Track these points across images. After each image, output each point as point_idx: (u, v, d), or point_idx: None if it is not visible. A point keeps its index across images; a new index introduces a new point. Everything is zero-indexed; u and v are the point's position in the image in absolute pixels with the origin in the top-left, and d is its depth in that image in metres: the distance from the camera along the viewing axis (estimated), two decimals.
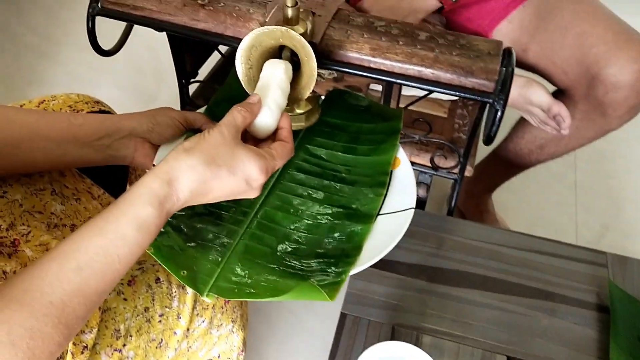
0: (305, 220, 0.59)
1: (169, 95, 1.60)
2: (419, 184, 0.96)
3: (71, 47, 1.75)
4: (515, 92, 0.92)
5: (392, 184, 0.63)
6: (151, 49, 1.67)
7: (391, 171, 0.64)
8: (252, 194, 0.53)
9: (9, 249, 0.59)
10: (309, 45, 0.56)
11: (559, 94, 1.00)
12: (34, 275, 0.42)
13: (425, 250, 0.81)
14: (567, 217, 1.40)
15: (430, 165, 0.92)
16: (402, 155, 0.65)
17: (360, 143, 0.65)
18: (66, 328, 0.42)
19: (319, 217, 0.60)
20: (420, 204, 0.96)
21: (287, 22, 0.60)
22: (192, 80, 0.96)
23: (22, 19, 1.84)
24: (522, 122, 1.08)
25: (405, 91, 0.91)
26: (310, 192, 0.62)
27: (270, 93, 0.56)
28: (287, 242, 0.58)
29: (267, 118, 0.55)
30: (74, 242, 0.44)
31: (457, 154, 0.91)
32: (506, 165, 1.17)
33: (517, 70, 0.72)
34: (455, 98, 1.03)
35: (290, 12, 0.59)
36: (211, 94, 1.01)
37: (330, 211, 0.60)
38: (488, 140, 0.65)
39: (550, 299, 0.77)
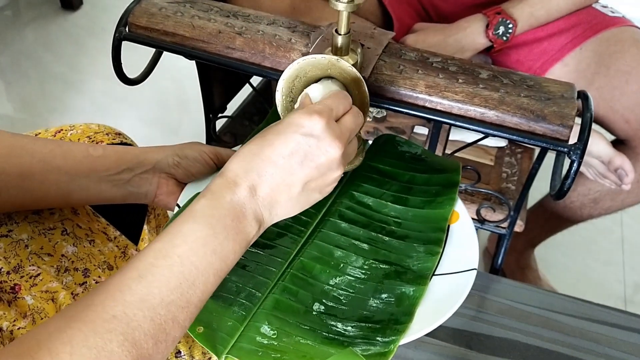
0: (348, 277, 0.51)
1: (193, 129, 1.55)
2: None
3: (96, 77, 1.73)
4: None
5: (450, 240, 0.55)
6: (176, 80, 1.63)
7: (448, 226, 0.56)
8: (327, 146, 0.44)
9: (8, 295, 0.53)
10: (361, 78, 0.49)
11: (618, 144, 0.92)
12: (98, 290, 0.38)
13: (467, 313, 0.73)
14: (613, 277, 1.30)
15: (476, 218, 0.84)
16: (461, 209, 0.57)
17: (413, 194, 0.57)
18: (134, 347, 0.36)
19: (363, 273, 0.51)
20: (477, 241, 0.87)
21: (336, 51, 0.53)
22: (220, 115, 0.90)
23: (51, 47, 1.83)
24: None
25: (451, 136, 0.84)
26: (354, 243, 0.54)
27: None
28: (325, 300, 0.50)
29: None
30: (139, 253, 0.40)
31: (507, 207, 0.82)
32: (554, 218, 1.09)
33: None
34: (503, 144, 0.95)
35: (340, 41, 0.52)
36: (240, 130, 0.94)
37: (376, 267, 0.52)
38: (559, 195, 0.57)
39: None
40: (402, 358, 0.65)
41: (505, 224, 0.83)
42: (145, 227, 0.71)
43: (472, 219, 0.84)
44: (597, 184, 0.96)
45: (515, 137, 0.56)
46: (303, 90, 0.51)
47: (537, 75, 0.94)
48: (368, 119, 0.55)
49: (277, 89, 0.51)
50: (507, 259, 1.24)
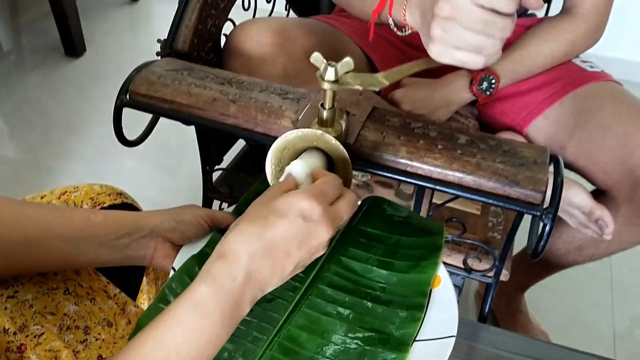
0: (333, 345, 0.53)
1: (191, 172, 1.58)
2: None
3: (98, 122, 1.77)
4: None
5: (431, 305, 0.57)
6: (176, 124, 1.68)
7: (430, 290, 0.58)
8: (322, 231, 0.46)
9: (15, 355, 0.56)
10: (345, 152, 0.53)
11: (599, 194, 0.95)
12: None
13: None
14: (603, 319, 1.32)
15: (462, 267, 0.87)
16: (443, 273, 0.60)
17: (399, 258, 0.60)
18: None
19: (348, 341, 0.54)
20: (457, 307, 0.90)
21: (322, 123, 0.57)
22: (216, 167, 0.94)
23: (54, 93, 1.88)
24: (559, 221, 1.03)
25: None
26: (340, 310, 0.56)
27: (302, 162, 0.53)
28: None
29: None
30: (136, 338, 0.41)
31: (492, 256, 0.85)
32: (541, 264, 1.11)
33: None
34: None
35: (325, 114, 0.56)
36: (235, 182, 0.98)
37: (361, 335, 0.54)
38: (534, 255, 0.60)
39: None
40: None
41: (491, 273, 0.86)
42: (144, 279, 0.74)
43: (459, 268, 0.87)
44: (581, 232, 0.98)
45: (491, 201, 0.59)
46: (291, 159, 0.55)
47: (519, 127, 0.99)
48: (357, 180, 0.58)
49: (267, 159, 0.55)
50: (498, 303, 1.26)
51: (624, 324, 1.32)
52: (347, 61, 0.53)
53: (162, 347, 0.41)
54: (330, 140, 0.53)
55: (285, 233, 0.45)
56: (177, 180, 1.59)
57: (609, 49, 2.08)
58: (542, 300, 1.33)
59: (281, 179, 0.53)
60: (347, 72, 0.53)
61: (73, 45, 2.01)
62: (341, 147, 0.53)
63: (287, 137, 0.54)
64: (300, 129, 0.53)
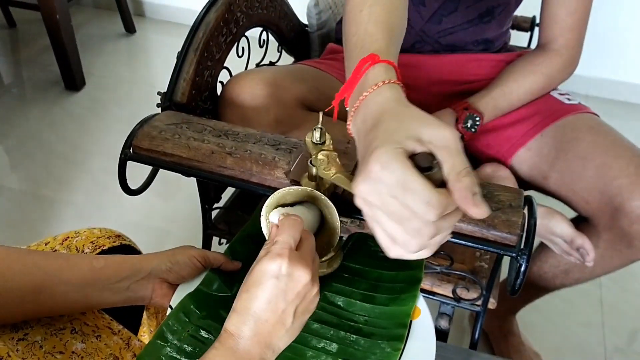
0: None
1: (190, 201, 1.62)
2: (440, 314, 0.94)
3: (98, 155, 1.81)
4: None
5: (411, 336, 0.62)
6: None
7: (410, 321, 0.63)
8: (298, 277, 0.52)
9: None
10: (333, 206, 0.58)
11: (582, 221, 0.99)
12: None
13: None
14: (594, 339, 1.35)
15: (452, 296, 0.91)
16: (422, 305, 0.64)
17: (380, 292, 0.64)
18: None
19: None
20: (443, 335, 0.93)
21: (312, 178, 0.62)
22: (215, 206, 0.98)
23: (54, 127, 1.92)
24: (545, 247, 1.07)
25: None
26: (324, 344, 0.60)
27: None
28: None
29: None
30: None
31: (479, 286, 0.90)
32: (529, 288, 1.15)
33: (538, 198, 0.72)
34: None
35: (314, 170, 0.60)
36: (233, 219, 1.02)
37: None
38: (513, 292, 0.64)
39: None
40: None
41: (479, 302, 0.90)
42: (144, 314, 0.78)
43: (449, 297, 0.91)
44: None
45: (470, 243, 0.64)
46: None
47: (504, 158, 1.03)
48: (348, 226, 0.63)
49: (262, 214, 0.59)
50: (490, 325, 1.30)
51: (615, 342, 1.35)
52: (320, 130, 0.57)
53: None
54: (320, 197, 0.58)
55: (265, 296, 0.52)
56: (176, 210, 1.63)
57: (592, 69, 2.13)
58: (533, 320, 1.36)
59: (265, 231, 0.58)
60: (326, 164, 0.57)
61: (73, 79, 2.05)
62: (329, 202, 0.58)
63: (280, 194, 0.58)
64: (290, 187, 0.58)
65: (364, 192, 0.46)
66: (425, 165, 0.44)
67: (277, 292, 0.52)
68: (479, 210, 0.44)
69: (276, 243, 0.53)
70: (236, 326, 0.52)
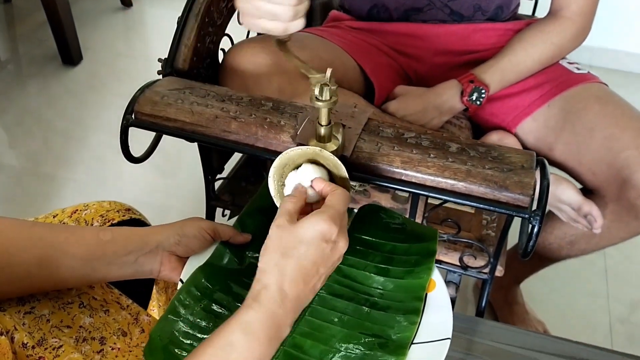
0: (335, 350, 0.57)
1: (191, 175, 1.61)
2: (447, 283, 0.93)
3: (98, 130, 1.80)
4: None
5: (427, 308, 0.61)
6: None
7: (426, 294, 0.62)
8: (341, 247, 0.53)
9: None
10: (342, 166, 0.56)
11: (588, 193, 0.98)
12: None
13: (455, 355, 0.77)
14: (599, 308, 1.36)
15: (459, 264, 0.90)
16: (438, 277, 0.63)
17: (395, 264, 0.63)
18: None
19: (349, 346, 0.57)
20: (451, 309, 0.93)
21: (319, 139, 0.60)
22: (218, 177, 0.97)
23: (53, 104, 1.90)
24: (551, 217, 1.06)
25: None
26: (341, 317, 0.59)
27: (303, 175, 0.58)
28: None
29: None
30: (192, 354, 0.47)
31: (486, 254, 0.89)
32: (534, 258, 1.14)
33: None
34: None
35: (322, 131, 0.59)
36: (237, 190, 1.01)
37: (361, 340, 0.57)
38: (525, 255, 0.63)
39: None
40: None
41: (486, 270, 0.89)
42: (154, 288, 0.77)
43: (456, 265, 0.91)
44: (573, 227, 1.01)
45: (482, 205, 0.63)
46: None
47: (508, 128, 1.02)
48: (355, 190, 0.62)
49: (269, 175, 0.58)
50: (495, 295, 1.30)
51: (619, 311, 1.35)
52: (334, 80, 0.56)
53: None
54: (329, 157, 0.57)
55: (316, 258, 0.52)
56: (178, 184, 1.62)
57: (596, 39, 2.11)
58: (538, 290, 1.36)
59: (287, 190, 0.58)
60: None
61: (70, 53, 2.03)
62: (338, 162, 0.57)
63: (288, 154, 0.57)
64: (299, 147, 0.56)
65: None
66: None
67: (322, 255, 0.52)
68: None
69: (330, 208, 0.54)
70: (281, 284, 0.51)
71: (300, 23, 0.57)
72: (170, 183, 1.62)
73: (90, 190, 1.59)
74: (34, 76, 2.03)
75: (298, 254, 0.52)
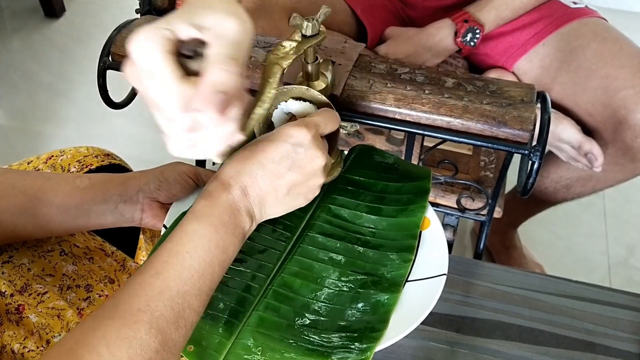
0: (327, 289, 0.55)
1: None
2: (445, 226, 0.92)
3: (84, 83, 1.75)
4: None
5: (421, 246, 0.59)
6: None
7: (420, 232, 0.60)
8: (313, 156, 0.50)
9: (15, 316, 0.57)
10: (332, 106, 0.53)
11: (586, 134, 0.96)
12: (121, 290, 0.44)
13: (453, 298, 0.77)
14: (597, 249, 1.35)
15: (456, 207, 0.88)
16: (432, 215, 0.61)
17: (386, 203, 0.61)
18: (159, 333, 0.42)
19: (340, 284, 0.55)
20: (447, 246, 0.92)
21: (307, 77, 0.57)
22: None
23: (37, 58, 1.85)
24: (547, 161, 1.04)
25: None
26: (332, 256, 0.58)
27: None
28: (306, 314, 0.54)
29: None
30: (152, 255, 0.46)
31: (484, 195, 0.87)
32: (531, 201, 1.13)
33: None
34: None
35: (310, 68, 0.56)
36: None
37: (353, 278, 0.56)
38: (524, 193, 0.61)
39: (591, 350, 0.72)
40: (395, 345, 0.69)
41: (484, 212, 0.87)
42: (141, 236, 0.75)
43: (453, 208, 0.89)
44: (569, 171, 0.99)
45: (479, 142, 0.60)
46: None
47: (504, 67, 0.98)
48: (347, 131, 0.58)
49: None
50: (492, 239, 1.29)
51: (618, 252, 1.35)
52: (325, 11, 0.52)
53: (176, 254, 0.45)
54: (317, 95, 0.53)
55: (273, 154, 0.49)
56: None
57: None
58: (536, 233, 1.35)
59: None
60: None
61: (52, 5, 1.96)
62: (327, 101, 0.53)
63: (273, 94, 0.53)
64: (285, 86, 0.53)
65: (126, 71, 0.42)
66: (189, 53, 0.41)
67: (287, 156, 0.49)
68: (221, 115, 0.42)
69: (310, 118, 0.51)
70: (229, 174, 0.49)
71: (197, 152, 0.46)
72: (159, 137, 1.59)
73: (78, 145, 1.55)
74: (16, 30, 1.96)
75: (256, 148, 0.49)
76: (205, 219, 0.47)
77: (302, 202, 0.53)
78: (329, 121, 0.52)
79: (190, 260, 0.45)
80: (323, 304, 0.54)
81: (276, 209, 0.51)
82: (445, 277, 0.55)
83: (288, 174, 0.49)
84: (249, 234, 0.50)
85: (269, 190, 0.49)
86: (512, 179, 0.99)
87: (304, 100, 0.55)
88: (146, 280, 0.44)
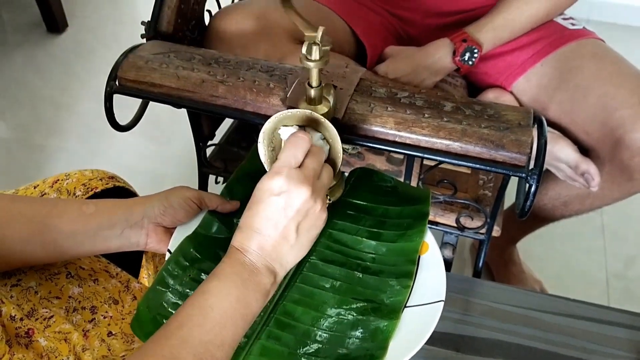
0: (327, 316, 0.56)
1: (184, 142, 1.58)
2: (444, 244, 0.93)
3: (87, 98, 1.76)
4: None
5: (420, 271, 0.60)
6: None
7: (419, 257, 0.61)
8: (298, 193, 0.52)
9: (24, 340, 0.58)
10: (334, 129, 0.54)
11: (584, 152, 0.97)
12: (148, 341, 0.47)
13: (452, 316, 0.78)
14: (596, 265, 1.36)
15: (456, 225, 0.89)
16: (430, 240, 0.62)
17: (386, 228, 0.62)
18: None
19: (341, 312, 0.56)
20: (447, 265, 0.92)
21: (310, 101, 0.58)
22: (209, 143, 0.95)
23: (40, 72, 1.86)
24: (545, 178, 1.05)
25: None
26: (332, 283, 0.58)
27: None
28: (307, 342, 0.54)
29: None
30: (176, 311, 0.49)
31: (483, 214, 0.88)
32: (530, 218, 1.13)
33: None
34: None
35: (313, 93, 0.57)
36: (229, 156, 0.99)
37: (354, 305, 0.56)
38: (522, 215, 0.62)
39: None
40: None
41: (483, 230, 0.88)
42: (143, 257, 0.76)
43: (452, 227, 0.90)
44: (567, 189, 1.00)
45: (478, 165, 0.61)
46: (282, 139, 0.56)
47: (503, 86, 0.99)
48: (349, 153, 0.60)
49: (259, 140, 0.56)
50: (491, 255, 1.29)
51: (616, 267, 1.35)
52: (327, 38, 0.54)
53: (199, 307, 0.48)
54: (319, 119, 0.55)
55: (266, 213, 0.52)
56: (171, 152, 1.60)
57: None
58: (534, 248, 1.36)
59: (263, 159, 0.57)
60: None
61: (55, 20, 1.97)
62: (330, 124, 0.55)
63: (277, 118, 0.55)
64: (289, 110, 0.54)
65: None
66: None
67: (276, 208, 0.51)
68: None
69: (277, 161, 0.53)
70: (240, 242, 0.52)
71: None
72: (163, 151, 1.60)
73: (82, 160, 1.56)
74: (19, 45, 1.98)
75: (252, 213, 0.53)
76: (226, 277, 0.50)
77: (315, 233, 0.55)
78: (296, 150, 0.53)
79: (212, 312, 0.48)
80: (323, 332, 0.55)
81: (295, 254, 0.54)
82: (442, 303, 0.56)
83: (286, 220, 0.52)
84: (272, 289, 0.53)
85: (281, 242, 0.52)
86: (511, 195, 1.01)
87: (308, 125, 0.57)
88: (170, 331, 0.47)
